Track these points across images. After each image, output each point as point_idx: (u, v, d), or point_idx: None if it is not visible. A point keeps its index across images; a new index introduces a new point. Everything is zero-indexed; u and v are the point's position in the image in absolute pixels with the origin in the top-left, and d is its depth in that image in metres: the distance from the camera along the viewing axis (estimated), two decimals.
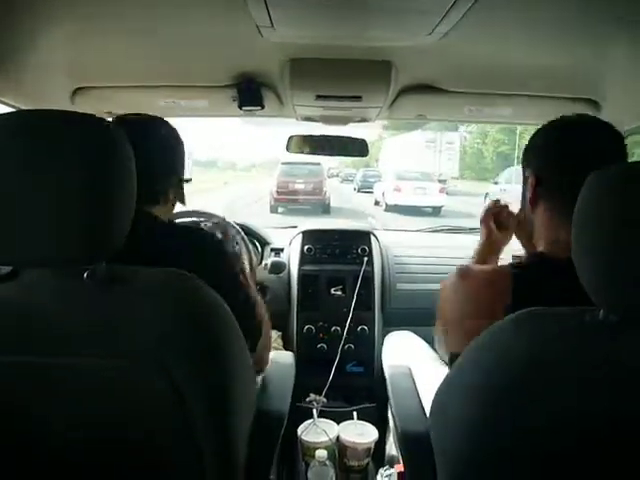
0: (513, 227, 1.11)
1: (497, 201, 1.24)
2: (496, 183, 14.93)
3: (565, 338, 0.65)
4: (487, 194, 14.57)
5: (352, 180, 23.29)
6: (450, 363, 0.93)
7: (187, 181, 1.08)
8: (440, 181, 14.35)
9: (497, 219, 1.19)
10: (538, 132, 0.95)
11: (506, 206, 1.20)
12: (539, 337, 0.66)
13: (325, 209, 12.15)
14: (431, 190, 13.10)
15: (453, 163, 21.46)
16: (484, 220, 1.20)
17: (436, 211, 12.90)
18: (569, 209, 0.86)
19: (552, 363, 0.64)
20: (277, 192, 11.90)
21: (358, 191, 19.42)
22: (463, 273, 0.93)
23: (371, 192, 15.60)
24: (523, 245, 1.06)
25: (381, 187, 14.38)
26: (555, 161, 0.90)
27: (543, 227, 0.92)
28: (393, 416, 1.07)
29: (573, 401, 0.63)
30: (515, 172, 13.00)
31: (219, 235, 1.76)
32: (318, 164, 12.32)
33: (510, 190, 12.22)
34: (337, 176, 28.89)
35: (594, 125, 0.92)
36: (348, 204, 14.33)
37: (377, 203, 14.45)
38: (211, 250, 0.97)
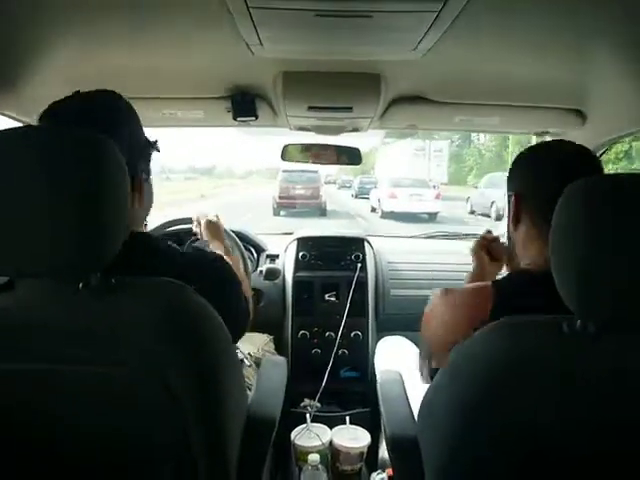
0: (505, 259, 1.11)
1: (489, 232, 1.24)
2: (476, 187, 15.13)
3: (543, 347, 0.67)
4: (469, 198, 14.86)
5: (349, 187, 23.78)
6: (431, 378, 0.93)
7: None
8: (434, 187, 14.30)
9: (489, 251, 1.18)
10: (520, 154, 0.99)
11: (497, 238, 1.20)
12: (517, 346, 0.68)
13: (322, 212, 13.33)
14: (427, 196, 13.06)
15: (442, 169, 22.29)
16: (476, 251, 1.19)
17: (432, 217, 12.86)
18: (548, 225, 0.88)
19: (531, 372, 0.65)
20: (279, 197, 13.07)
21: (356, 197, 19.89)
22: (444, 291, 0.92)
23: (368, 198, 16.23)
24: None
25: (376, 194, 14.46)
26: (533, 180, 0.93)
27: (524, 244, 0.94)
28: (383, 421, 1.07)
29: (552, 409, 0.65)
30: (495, 177, 13.28)
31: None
32: (315, 172, 13.29)
33: (489, 194, 12.62)
34: (334, 183, 29.17)
35: (571, 149, 0.94)
36: (344, 208, 15.46)
37: (374, 210, 14.51)
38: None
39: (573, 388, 0.65)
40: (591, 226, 0.63)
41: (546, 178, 0.90)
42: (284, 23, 0.97)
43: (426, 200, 12.97)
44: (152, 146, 0.97)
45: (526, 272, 0.90)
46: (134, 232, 0.87)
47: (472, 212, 13.98)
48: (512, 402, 0.65)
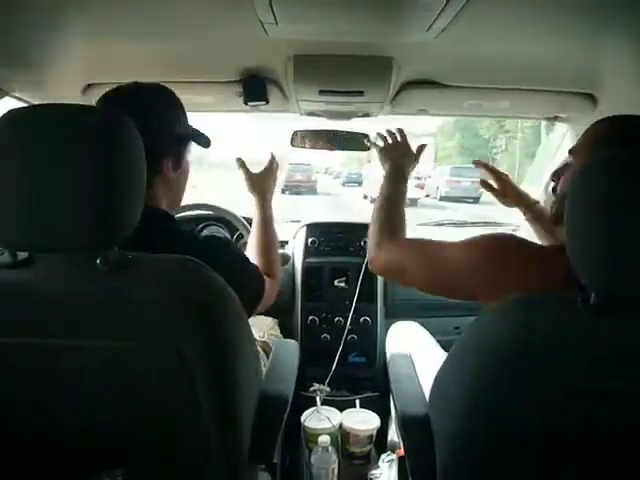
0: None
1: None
2: (430, 177, 17.28)
3: (561, 324, 0.64)
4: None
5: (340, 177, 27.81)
6: None
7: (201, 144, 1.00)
8: (417, 178, 15.30)
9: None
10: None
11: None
12: (536, 323, 0.65)
13: (314, 191, 19.09)
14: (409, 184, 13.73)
15: (429, 162, 24.64)
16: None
17: (413, 202, 13.48)
18: None
19: (550, 349, 0.63)
20: (286, 181, 18.13)
21: (343, 185, 24.00)
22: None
23: (353, 186, 21.11)
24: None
25: (368, 183, 15.71)
26: None
27: None
28: (393, 400, 1.04)
29: (573, 387, 0.61)
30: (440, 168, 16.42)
31: (223, 233, 1.71)
32: (309, 164, 19.26)
33: (433, 182, 16.39)
34: (330, 174, 31.55)
35: None
36: (331, 191, 20.88)
37: (365, 197, 15.53)
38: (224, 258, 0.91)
39: (592, 364, 0.62)
40: (605, 201, 0.60)
41: None
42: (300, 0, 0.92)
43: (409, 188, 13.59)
44: (192, 138, 0.97)
45: None
46: (154, 210, 0.86)
47: (427, 195, 16.39)
48: (531, 380, 0.62)
